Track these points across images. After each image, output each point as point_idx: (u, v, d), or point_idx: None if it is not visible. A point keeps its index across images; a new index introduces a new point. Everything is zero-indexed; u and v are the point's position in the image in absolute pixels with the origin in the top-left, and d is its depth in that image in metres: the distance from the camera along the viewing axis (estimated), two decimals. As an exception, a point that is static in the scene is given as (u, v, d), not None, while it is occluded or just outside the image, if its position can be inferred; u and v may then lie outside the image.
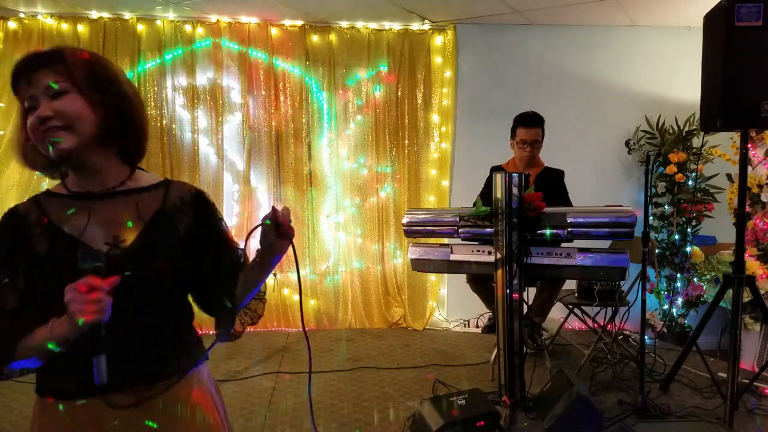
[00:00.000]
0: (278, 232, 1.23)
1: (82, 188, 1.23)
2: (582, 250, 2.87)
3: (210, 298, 1.33)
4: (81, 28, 4.44)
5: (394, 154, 4.80)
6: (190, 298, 1.35)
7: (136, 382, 1.20)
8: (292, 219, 1.26)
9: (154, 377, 1.22)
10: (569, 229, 2.84)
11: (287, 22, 4.65)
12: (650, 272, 4.29)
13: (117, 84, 1.22)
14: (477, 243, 3.08)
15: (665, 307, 4.48)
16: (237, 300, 1.30)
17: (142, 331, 1.21)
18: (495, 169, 3.66)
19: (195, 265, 1.28)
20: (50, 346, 1.09)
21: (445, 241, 3.47)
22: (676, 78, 4.64)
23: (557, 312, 3.95)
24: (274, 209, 1.24)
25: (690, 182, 4.39)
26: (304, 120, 4.70)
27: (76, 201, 1.21)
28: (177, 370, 1.25)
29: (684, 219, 4.44)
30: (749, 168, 3.48)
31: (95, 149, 1.20)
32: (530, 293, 3.37)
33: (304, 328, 1.32)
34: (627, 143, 4.72)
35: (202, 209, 1.32)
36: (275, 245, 1.26)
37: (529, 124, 3.58)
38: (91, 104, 1.17)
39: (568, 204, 3.58)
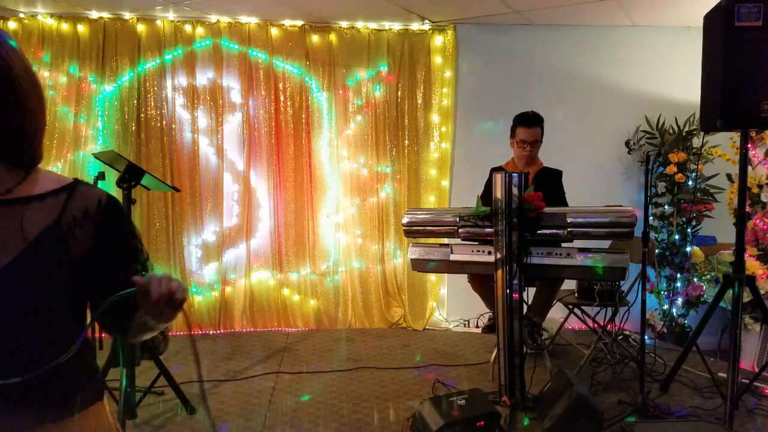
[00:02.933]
0: (156, 306, 1.01)
1: None
2: (582, 250, 2.87)
3: (105, 319, 1.15)
4: (81, 28, 4.44)
5: (394, 154, 4.80)
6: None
7: None
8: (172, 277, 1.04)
9: (11, 417, 1.02)
10: (569, 229, 2.85)
11: (287, 22, 4.65)
12: (650, 272, 4.29)
13: (10, 76, 1.02)
14: (477, 243, 3.08)
15: (665, 307, 4.48)
16: (132, 332, 1.13)
17: (9, 373, 1.00)
18: (495, 170, 3.66)
19: (94, 285, 1.09)
20: None
21: (445, 241, 3.47)
22: (676, 78, 4.64)
23: (557, 312, 3.95)
24: (138, 283, 1.00)
25: (690, 182, 4.38)
26: (304, 120, 4.70)
27: None
28: (44, 418, 1.05)
29: (684, 219, 4.44)
30: (749, 168, 3.47)
31: None
32: (530, 293, 3.37)
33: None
34: (627, 143, 4.73)
35: (110, 223, 1.11)
36: (158, 315, 1.05)
37: (529, 124, 3.61)
38: None
39: (564, 204, 3.58)
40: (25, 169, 1.08)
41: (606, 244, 3.57)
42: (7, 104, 1.01)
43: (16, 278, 1.01)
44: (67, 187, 1.10)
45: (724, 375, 3.10)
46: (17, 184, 1.06)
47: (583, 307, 3.76)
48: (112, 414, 1.21)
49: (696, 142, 4.46)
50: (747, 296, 3.24)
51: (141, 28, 4.51)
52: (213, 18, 4.55)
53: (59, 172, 4.36)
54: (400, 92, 4.76)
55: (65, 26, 4.44)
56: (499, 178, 2.82)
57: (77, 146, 4.45)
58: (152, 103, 4.54)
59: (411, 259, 3.20)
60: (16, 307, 1.01)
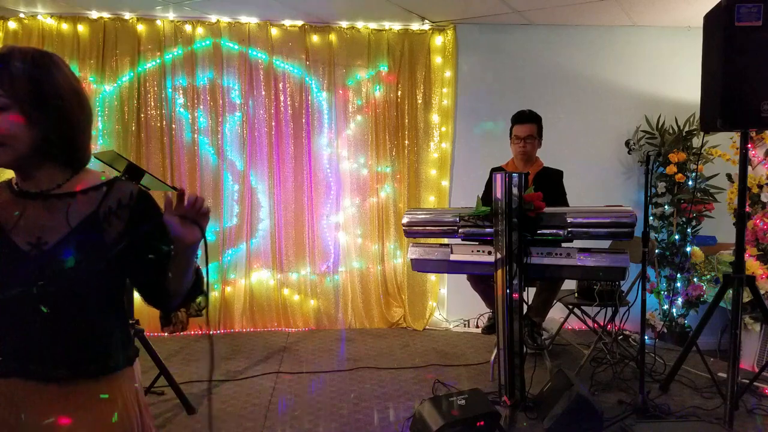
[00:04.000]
0: (182, 216, 1.22)
1: (22, 186, 1.27)
2: (582, 250, 2.87)
3: (146, 291, 1.36)
4: (81, 28, 4.44)
5: (394, 154, 4.80)
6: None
7: (36, 379, 1.23)
8: (205, 205, 1.24)
9: (50, 377, 1.24)
10: (569, 229, 2.85)
11: (287, 22, 4.65)
12: (650, 272, 4.29)
13: (59, 96, 1.21)
14: (477, 243, 3.08)
15: (665, 307, 4.48)
16: (172, 293, 1.31)
17: (53, 333, 1.23)
18: (495, 170, 3.67)
19: (132, 264, 1.28)
20: None
21: (445, 241, 3.47)
22: (676, 78, 4.64)
23: (557, 312, 3.95)
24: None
25: (690, 182, 4.38)
26: (304, 120, 4.70)
27: (17, 197, 1.26)
28: (83, 373, 1.26)
29: (684, 219, 4.44)
30: (749, 168, 3.48)
31: (28, 159, 1.21)
32: (530, 293, 3.37)
33: (209, 324, 1.38)
34: (627, 143, 4.73)
35: (139, 211, 1.29)
36: (183, 232, 1.22)
37: (522, 121, 3.68)
38: (30, 122, 1.18)
39: (565, 205, 3.58)
40: (73, 168, 1.28)
41: (606, 244, 3.58)
42: (57, 121, 1.21)
43: (60, 258, 1.20)
44: (107, 183, 1.30)
45: (724, 375, 3.10)
46: (66, 181, 1.27)
47: (583, 307, 3.76)
48: (138, 381, 1.40)
49: (696, 142, 4.46)
50: (747, 296, 3.24)
51: (141, 28, 4.51)
52: (213, 18, 4.55)
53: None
54: (400, 92, 4.76)
55: (65, 26, 4.44)
56: (499, 178, 2.83)
57: (77, 146, 4.44)
58: (152, 103, 4.55)
59: (411, 259, 3.21)
60: (59, 282, 1.20)
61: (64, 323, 1.23)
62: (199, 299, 1.41)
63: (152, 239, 1.28)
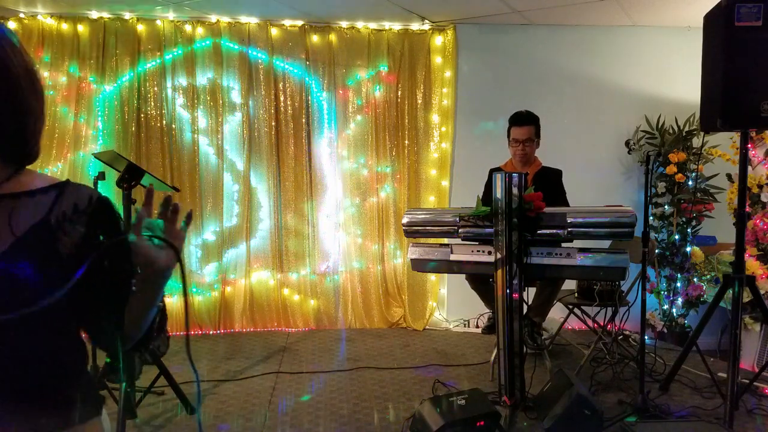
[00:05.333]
0: (152, 236, 1.00)
1: None
2: (582, 250, 2.87)
3: (96, 327, 1.12)
4: (81, 28, 4.44)
5: (394, 154, 4.80)
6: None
7: None
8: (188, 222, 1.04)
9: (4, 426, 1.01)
10: (569, 229, 2.85)
11: (287, 22, 4.65)
12: (650, 272, 4.29)
13: (10, 77, 1.01)
14: (477, 243, 3.08)
15: (665, 307, 4.48)
16: (127, 333, 1.08)
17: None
18: (494, 171, 3.67)
19: (84, 287, 1.01)
20: None
21: (445, 241, 3.47)
22: (676, 78, 4.64)
23: (557, 312, 3.95)
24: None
25: (690, 182, 4.38)
26: (304, 120, 4.70)
27: None
28: (38, 422, 1.02)
29: (684, 219, 4.44)
30: (749, 168, 3.48)
31: None
32: (530, 293, 3.37)
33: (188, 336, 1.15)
34: (627, 143, 4.73)
35: (100, 219, 1.09)
36: (156, 255, 1.00)
37: (520, 123, 3.65)
38: None
39: (565, 204, 3.58)
40: (19, 163, 1.07)
41: (606, 244, 3.58)
42: (3, 104, 1.01)
43: (3, 273, 0.99)
44: (58, 185, 1.09)
45: (724, 375, 3.10)
46: (5, 181, 1.04)
47: (583, 307, 3.76)
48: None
49: (696, 142, 4.46)
50: (747, 296, 3.24)
51: (141, 28, 4.51)
52: (213, 18, 4.55)
53: (59, 172, 4.40)
54: (400, 92, 4.76)
55: (65, 26, 4.44)
56: (499, 179, 2.83)
57: (77, 146, 4.45)
58: (152, 103, 4.54)
59: (411, 259, 3.20)
60: (3, 302, 0.97)
61: (13, 360, 1.00)
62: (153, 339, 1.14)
63: (111, 258, 1.04)
